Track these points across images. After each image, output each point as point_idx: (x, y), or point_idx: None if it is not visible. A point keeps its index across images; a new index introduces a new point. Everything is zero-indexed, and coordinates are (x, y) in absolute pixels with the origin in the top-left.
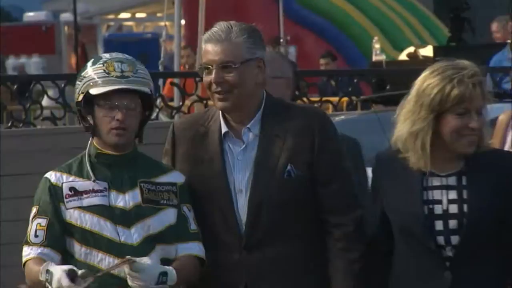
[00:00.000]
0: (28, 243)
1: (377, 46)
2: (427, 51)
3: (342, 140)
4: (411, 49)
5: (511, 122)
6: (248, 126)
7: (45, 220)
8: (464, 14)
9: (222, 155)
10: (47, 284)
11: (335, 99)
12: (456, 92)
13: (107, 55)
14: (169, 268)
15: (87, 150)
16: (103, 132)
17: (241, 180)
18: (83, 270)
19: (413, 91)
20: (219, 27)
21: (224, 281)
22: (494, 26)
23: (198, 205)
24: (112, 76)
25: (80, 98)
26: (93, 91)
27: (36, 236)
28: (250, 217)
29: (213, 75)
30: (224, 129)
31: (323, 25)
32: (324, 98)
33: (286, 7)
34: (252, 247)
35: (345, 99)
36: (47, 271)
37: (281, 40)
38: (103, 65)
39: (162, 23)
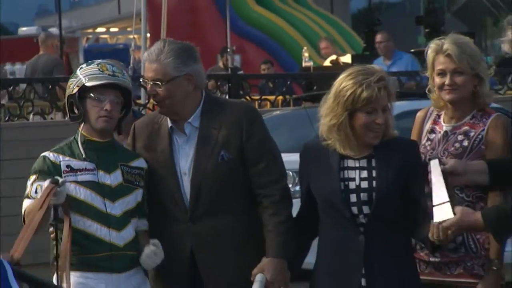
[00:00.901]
0: (28, 197)
1: (306, 54)
2: (347, 58)
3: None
4: (333, 57)
5: (427, 117)
6: (189, 121)
7: (40, 186)
8: (376, 28)
9: (171, 146)
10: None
11: (272, 97)
12: (365, 95)
13: (99, 60)
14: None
15: (76, 137)
16: (91, 119)
17: (184, 165)
18: (63, 179)
19: (332, 91)
20: (154, 47)
21: (174, 248)
22: (378, 38)
23: (153, 186)
24: (106, 74)
25: (75, 90)
26: (89, 83)
27: (36, 192)
28: (193, 194)
29: (148, 88)
30: (169, 124)
31: (262, 38)
32: (263, 97)
33: (232, 23)
34: (196, 219)
35: (280, 97)
36: (40, 187)
37: (228, 50)
38: (97, 66)
39: (131, 36)
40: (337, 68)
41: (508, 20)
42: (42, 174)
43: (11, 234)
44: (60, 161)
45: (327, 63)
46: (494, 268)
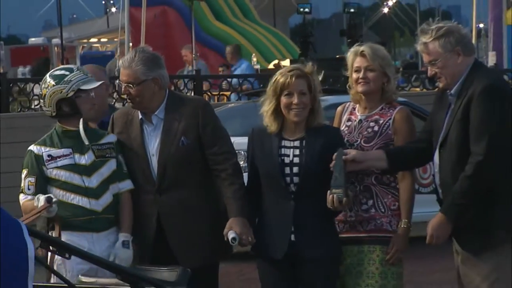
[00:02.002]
0: (24, 193)
1: (254, 59)
2: (286, 62)
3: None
4: (276, 61)
5: (344, 110)
6: (156, 113)
7: (34, 178)
8: (309, 39)
9: (141, 133)
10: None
11: (228, 93)
12: (281, 80)
13: (74, 66)
14: (127, 238)
15: (57, 128)
16: (84, 111)
17: (152, 148)
18: (56, 199)
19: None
20: (128, 56)
21: (144, 213)
22: (227, 49)
23: (128, 164)
24: (92, 77)
25: (71, 94)
26: (85, 86)
27: (28, 189)
28: (160, 171)
29: (122, 89)
30: (140, 116)
31: (221, 46)
32: (221, 93)
33: (196, 35)
34: (162, 191)
35: (234, 93)
36: (37, 199)
37: (193, 56)
38: (80, 71)
39: (118, 45)
40: (279, 70)
41: (421, 28)
42: (31, 169)
43: (11, 202)
44: (42, 153)
45: (271, 66)
46: (405, 226)
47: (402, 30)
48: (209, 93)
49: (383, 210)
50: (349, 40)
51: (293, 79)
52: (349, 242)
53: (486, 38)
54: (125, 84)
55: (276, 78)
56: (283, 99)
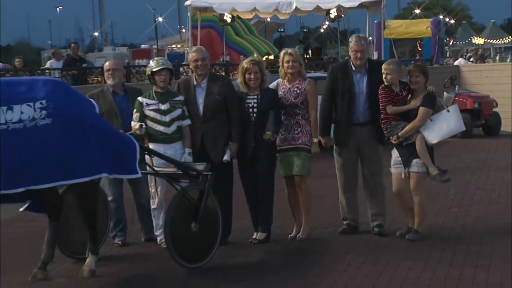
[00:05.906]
0: (133, 120)
1: (255, 55)
2: (271, 57)
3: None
4: (266, 56)
5: (278, 84)
6: (203, 82)
7: (138, 114)
8: (284, 45)
9: (195, 92)
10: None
11: None
12: (245, 66)
13: (156, 58)
14: (189, 151)
15: (152, 89)
16: (158, 83)
17: (200, 100)
18: (144, 127)
19: None
20: (198, 47)
21: (194, 134)
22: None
23: (188, 110)
24: (159, 64)
25: (148, 72)
26: (155, 69)
27: (135, 119)
28: (204, 112)
29: (199, 62)
30: (194, 83)
31: (239, 49)
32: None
33: (226, 43)
34: (204, 121)
35: None
36: (137, 123)
37: (224, 54)
38: (155, 61)
39: (186, 48)
40: (268, 61)
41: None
42: (137, 108)
43: None
44: (143, 101)
45: (263, 59)
46: (315, 141)
47: (331, 40)
48: (232, 73)
49: (305, 133)
50: (303, 46)
51: (251, 65)
52: (286, 150)
53: (372, 44)
54: (201, 58)
55: (243, 65)
56: (246, 76)
